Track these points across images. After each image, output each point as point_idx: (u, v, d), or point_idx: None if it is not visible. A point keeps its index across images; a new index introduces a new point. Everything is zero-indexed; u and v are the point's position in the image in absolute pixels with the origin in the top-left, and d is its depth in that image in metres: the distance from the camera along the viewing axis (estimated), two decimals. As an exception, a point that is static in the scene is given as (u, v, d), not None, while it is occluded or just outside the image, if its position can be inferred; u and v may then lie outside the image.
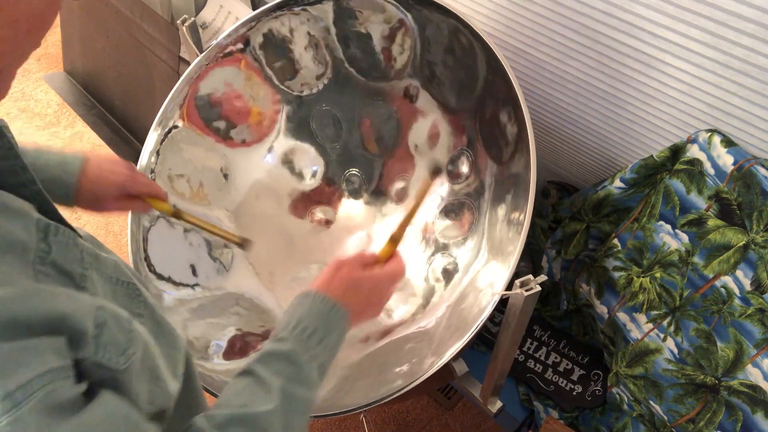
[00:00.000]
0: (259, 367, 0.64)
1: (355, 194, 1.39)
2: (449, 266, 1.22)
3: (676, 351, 1.06)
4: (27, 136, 2.46)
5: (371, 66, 1.27)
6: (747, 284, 0.94)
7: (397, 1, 1.15)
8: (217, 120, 1.28)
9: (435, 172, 0.86)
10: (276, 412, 0.60)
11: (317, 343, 0.68)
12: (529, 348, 1.36)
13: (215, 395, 1.02)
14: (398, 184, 1.35)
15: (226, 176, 1.31)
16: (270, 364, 0.65)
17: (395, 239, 0.84)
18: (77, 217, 2.20)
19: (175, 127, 1.23)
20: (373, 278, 0.76)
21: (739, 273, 0.95)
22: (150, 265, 1.16)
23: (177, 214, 0.99)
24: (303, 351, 0.66)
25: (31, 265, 0.48)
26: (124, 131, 2.31)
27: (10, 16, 0.44)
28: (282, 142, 1.36)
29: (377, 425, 1.70)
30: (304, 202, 1.38)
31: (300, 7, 1.21)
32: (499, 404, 1.11)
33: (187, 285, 1.20)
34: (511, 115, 1.05)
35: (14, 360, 0.41)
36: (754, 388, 0.96)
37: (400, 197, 1.35)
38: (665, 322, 1.07)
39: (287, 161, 1.37)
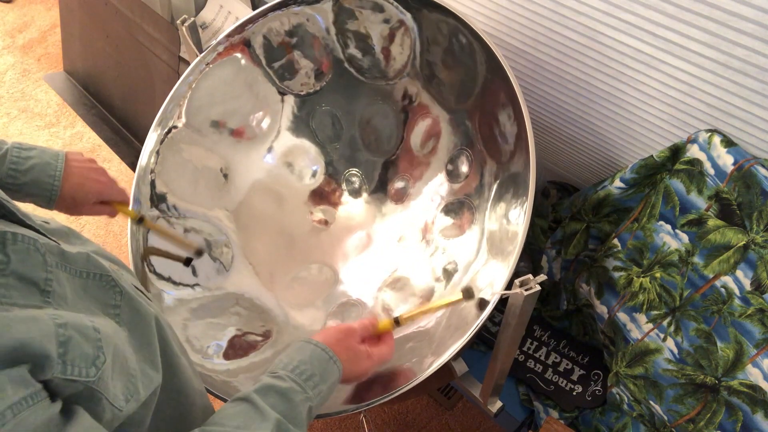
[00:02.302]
0: (257, 397, 0.66)
1: (355, 194, 1.39)
2: (449, 266, 1.22)
3: (676, 351, 1.06)
4: (27, 136, 2.46)
5: (371, 66, 1.27)
6: (747, 284, 0.94)
7: (396, 1, 1.15)
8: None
9: (468, 296, 0.89)
10: None
11: (312, 387, 0.72)
12: (529, 348, 1.36)
13: (216, 395, 1.02)
14: (398, 184, 1.35)
15: (226, 176, 1.31)
16: (267, 396, 0.67)
17: (399, 323, 0.92)
18: (80, 223, 2.20)
19: (175, 127, 1.23)
20: (369, 356, 0.83)
21: (739, 273, 0.95)
22: (150, 265, 1.16)
23: (141, 220, 1.10)
24: (299, 391, 0.70)
25: None
26: (124, 131, 2.31)
27: None
28: (282, 141, 1.36)
29: (377, 425, 1.70)
30: (303, 202, 1.38)
31: (300, 7, 1.22)
32: (499, 404, 1.11)
33: (187, 285, 1.20)
34: (510, 114, 1.05)
35: None
36: (754, 388, 0.96)
37: (400, 197, 1.35)
38: (665, 322, 1.07)
39: (287, 161, 1.37)
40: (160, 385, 0.62)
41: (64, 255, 0.57)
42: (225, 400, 1.00)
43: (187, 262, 1.19)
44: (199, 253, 1.21)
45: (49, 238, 0.58)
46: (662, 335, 1.07)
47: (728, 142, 0.93)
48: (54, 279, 0.53)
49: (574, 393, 1.30)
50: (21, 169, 0.83)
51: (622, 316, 1.14)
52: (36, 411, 0.45)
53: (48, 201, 0.86)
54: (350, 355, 0.80)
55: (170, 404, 0.67)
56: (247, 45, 1.25)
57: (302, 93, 1.33)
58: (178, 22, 1.24)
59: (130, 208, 1.10)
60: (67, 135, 2.49)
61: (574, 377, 1.32)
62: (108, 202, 0.97)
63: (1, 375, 0.43)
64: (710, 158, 0.95)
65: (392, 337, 0.90)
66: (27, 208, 0.65)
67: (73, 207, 0.91)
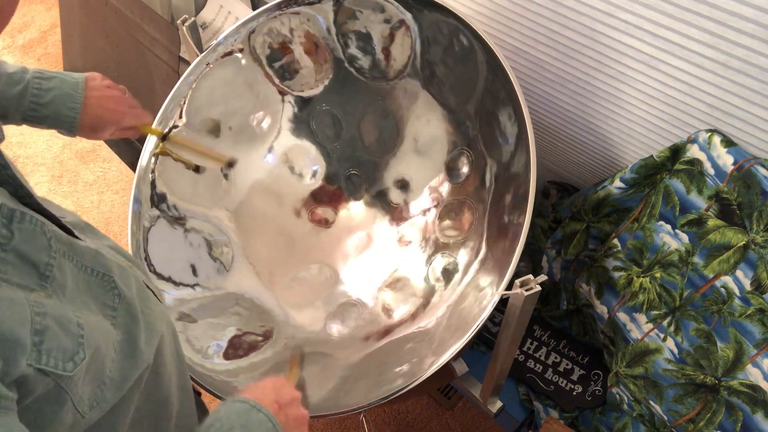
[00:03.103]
0: None
1: (355, 194, 1.39)
2: (449, 266, 1.22)
3: (676, 351, 1.06)
4: (27, 135, 2.46)
5: (371, 66, 1.27)
6: (747, 284, 0.94)
7: (397, 1, 1.15)
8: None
9: (295, 355, 0.94)
10: None
11: None
12: (529, 348, 1.36)
13: (215, 395, 1.02)
14: (399, 184, 1.35)
15: (226, 176, 1.31)
16: None
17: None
18: (82, 213, 2.20)
19: (176, 126, 1.23)
20: (273, 378, 0.74)
21: (739, 273, 0.95)
22: (150, 265, 1.16)
23: (166, 136, 1.08)
24: None
25: None
26: (124, 131, 2.31)
27: None
28: (282, 142, 1.36)
29: (377, 425, 1.70)
30: (304, 202, 1.38)
31: (300, 7, 1.22)
32: (499, 404, 1.11)
33: (187, 285, 1.20)
34: (511, 114, 1.05)
35: None
36: (754, 388, 0.96)
37: (401, 197, 1.35)
38: (665, 322, 1.07)
39: (287, 161, 1.37)
40: (138, 394, 0.60)
41: (72, 246, 0.56)
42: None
43: (230, 164, 1.22)
44: (230, 164, 1.22)
45: (63, 228, 0.57)
46: (662, 335, 1.07)
47: (728, 142, 0.93)
48: (56, 266, 0.52)
49: (574, 393, 1.30)
50: (42, 102, 0.86)
51: (622, 316, 1.14)
52: None
53: (69, 130, 0.90)
54: (258, 386, 0.72)
55: (149, 418, 0.65)
56: (247, 45, 1.25)
57: (303, 93, 1.33)
58: (179, 22, 1.23)
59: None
60: (67, 135, 2.48)
61: (574, 377, 1.32)
62: (130, 127, 1.01)
63: None
64: (710, 158, 0.95)
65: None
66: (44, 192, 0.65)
67: (94, 134, 0.95)
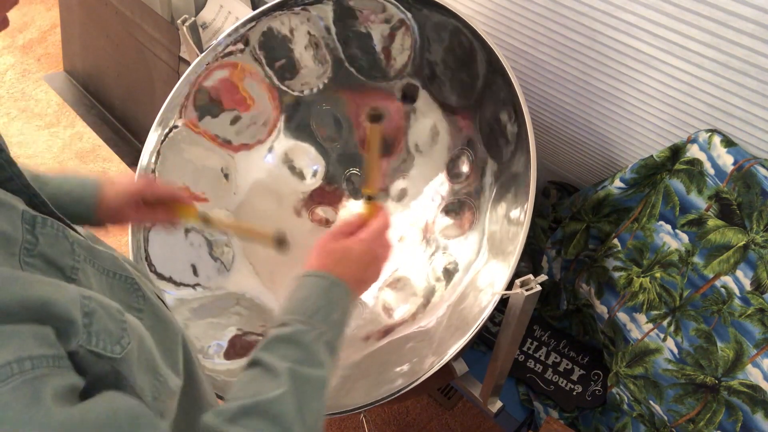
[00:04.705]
0: (265, 355, 0.62)
1: (355, 194, 1.39)
2: (450, 266, 1.22)
3: (676, 351, 1.06)
4: (27, 135, 2.46)
5: (371, 65, 1.27)
6: (747, 284, 0.94)
7: (397, 1, 1.15)
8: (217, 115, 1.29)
9: (374, 118, 0.81)
10: (287, 396, 0.58)
11: (321, 321, 0.65)
12: (529, 348, 1.36)
13: (217, 396, 1.02)
14: (398, 184, 1.35)
15: (226, 176, 1.31)
16: (275, 349, 0.62)
17: (370, 196, 0.82)
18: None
19: (176, 127, 1.23)
20: (362, 242, 0.74)
21: (739, 273, 0.95)
22: (151, 265, 1.16)
23: (206, 219, 0.94)
24: (307, 331, 0.64)
25: (18, 257, 0.47)
26: (124, 131, 2.31)
27: None
28: (282, 141, 1.36)
29: (377, 425, 1.70)
30: (304, 202, 1.38)
31: (300, 7, 1.22)
32: (499, 404, 1.11)
33: (187, 285, 1.20)
34: (511, 114, 1.05)
35: None
36: (754, 388, 0.96)
37: (401, 197, 1.35)
38: (665, 322, 1.07)
39: (287, 161, 1.37)
40: (180, 390, 0.61)
41: (92, 251, 0.57)
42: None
43: (280, 242, 1.08)
44: (280, 241, 1.09)
45: (78, 234, 0.58)
46: (662, 335, 1.08)
47: (728, 142, 0.93)
48: (80, 269, 0.53)
49: (574, 393, 1.30)
50: (61, 190, 0.81)
51: (622, 316, 1.14)
52: (58, 374, 0.43)
53: (91, 217, 0.83)
54: (342, 256, 0.72)
55: (186, 418, 0.65)
56: (247, 45, 1.25)
57: (303, 93, 1.33)
58: (179, 22, 1.24)
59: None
60: (67, 135, 2.48)
61: (574, 377, 1.32)
62: (157, 204, 0.89)
63: (25, 327, 0.42)
64: (710, 158, 0.95)
65: (382, 209, 0.82)
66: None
67: (116, 215, 0.86)
